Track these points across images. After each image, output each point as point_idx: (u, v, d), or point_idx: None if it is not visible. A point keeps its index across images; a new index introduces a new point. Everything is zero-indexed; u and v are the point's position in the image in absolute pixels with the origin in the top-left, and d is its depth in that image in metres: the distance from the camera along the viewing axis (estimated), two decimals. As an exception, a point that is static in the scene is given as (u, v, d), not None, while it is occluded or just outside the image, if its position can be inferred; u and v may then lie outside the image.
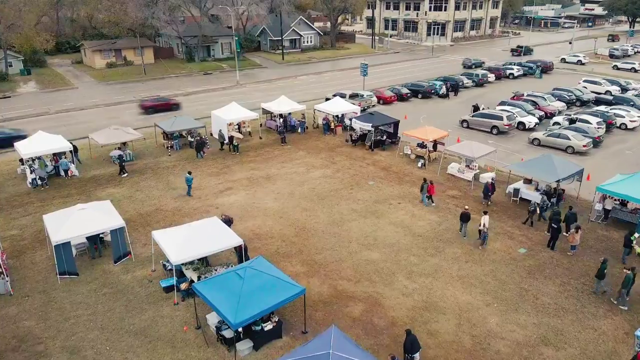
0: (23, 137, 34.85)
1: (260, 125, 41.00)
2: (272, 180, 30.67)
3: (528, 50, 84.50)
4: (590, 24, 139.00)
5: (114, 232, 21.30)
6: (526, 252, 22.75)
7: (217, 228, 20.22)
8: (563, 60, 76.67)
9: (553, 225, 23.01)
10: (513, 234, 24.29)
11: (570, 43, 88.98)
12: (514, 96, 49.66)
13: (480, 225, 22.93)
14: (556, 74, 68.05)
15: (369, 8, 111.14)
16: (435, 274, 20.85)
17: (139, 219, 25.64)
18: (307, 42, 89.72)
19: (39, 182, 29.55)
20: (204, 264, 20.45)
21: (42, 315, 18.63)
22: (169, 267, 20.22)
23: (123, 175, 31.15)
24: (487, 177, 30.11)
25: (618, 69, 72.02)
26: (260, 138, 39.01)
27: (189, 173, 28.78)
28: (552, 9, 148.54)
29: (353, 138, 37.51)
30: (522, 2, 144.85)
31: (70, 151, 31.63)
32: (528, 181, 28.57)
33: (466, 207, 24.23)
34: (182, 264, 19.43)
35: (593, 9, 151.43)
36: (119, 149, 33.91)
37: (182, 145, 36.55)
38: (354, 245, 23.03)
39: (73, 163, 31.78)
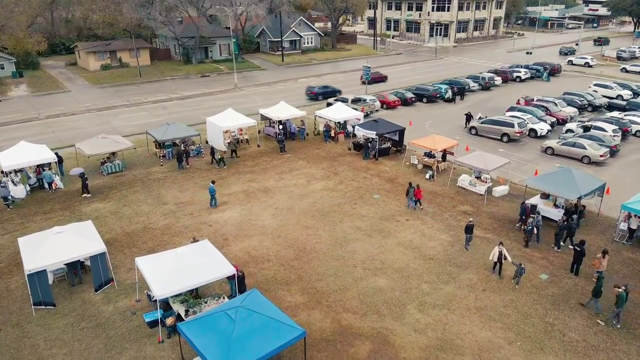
0: None
1: (259, 132, 38.98)
2: (270, 194, 28.65)
3: (607, 41, 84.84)
4: (595, 24, 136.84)
5: (95, 258, 19.27)
6: (548, 279, 20.73)
7: (208, 254, 18.21)
8: (570, 63, 74.62)
9: (576, 248, 21.01)
10: (532, 257, 22.26)
11: (576, 45, 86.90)
12: (523, 101, 47.57)
13: (496, 255, 20.40)
14: (564, 76, 66.04)
15: (370, 8, 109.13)
16: (450, 305, 18.81)
17: (125, 239, 23.60)
18: (308, 43, 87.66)
19: (3, 201, 26.94)
20: (192, 294, 18.43)
21: (14, 354, 16.62)
22: (155, 298, 18.17)
23: (86, 196, 28.20)
24: (500, 191, 28.17)
25: (627, 71, 69.97)
26: (259, 146, 36.99)
27: (213, 182, 26.99)
28: (556, 10, 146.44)
29: (356, 145, 35.59)
30: (524, 2, 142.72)
31: (55, 162, 29.56)
32: (545, 196, 26.56)
33: (470, 219, 22.73)
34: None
35: (597, 10, 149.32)
36: (108, 159, 31.96)
37: (176, 153, 34.46)
38: (359, 270, 21.00)
39: (58, 175, 29.70)
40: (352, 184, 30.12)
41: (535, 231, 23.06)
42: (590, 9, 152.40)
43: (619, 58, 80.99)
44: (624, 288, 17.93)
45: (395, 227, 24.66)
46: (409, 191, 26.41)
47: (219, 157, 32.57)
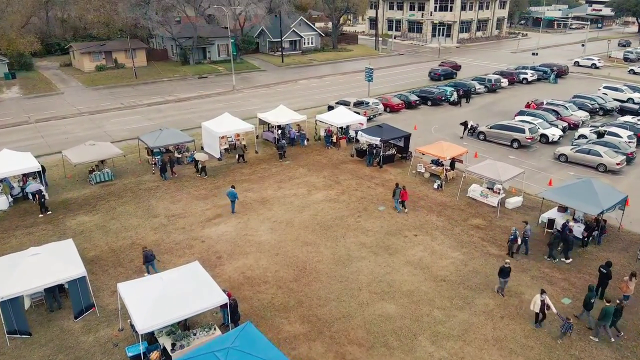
0: None
1: (257, 137, 37.20)
2: (268, 205, 26.86)
3: (629, 43, 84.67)
4: (600, 25, 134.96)
5: (74, 283, 17.49)
6: (571, 304, 18.95)
7: (198, 279, 16.43)
8: (577, 64, 72.83)
9: (602, 269, 19.24)
10: (553, 278, 20.47)
11: (582, 45, 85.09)
12: (530, 104, 45.75)
13: (538, 305, 17.19)
14: (571, 78, 64.24)
15: (372, 8, 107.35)
16: (465, 336, 17.02)
17: (111, 257, 21.82)
18: (308, 43, 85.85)
19: None
20: (181, 324, 16.64)
21: (-21, 391, 14.86)
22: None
23: (45, 214, 25.76)
24: (514, 203, 26.36)
25: (635, 73, 68.20)
26: (256, 152, 35.20)
27: (233, 187, 25.64)
28: (559, 10, 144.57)
29: (359, 151, 33.87)
30: (527, 2, 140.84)
31: (38, 172, 27.74)
32: (563, 209, 24.80)
33: (507, 262, 18.98)
34: (154, 327, 15.62)
35: (600, 10, 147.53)
36: (97, 167, 30.17)
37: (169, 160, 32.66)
38: (364, 293, 19.21)
39: (42, 185, 27.85)
40: (355, 194, 28.34)
41: (519, 242, 21.61)
42: (593, 9, 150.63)
43: (626, 59, 79.20)
44: (618, 302, 17.01)
45: (402, 243, 22.87)
46: (395, 192, 25.79)
47: (201, 166, 30.55)
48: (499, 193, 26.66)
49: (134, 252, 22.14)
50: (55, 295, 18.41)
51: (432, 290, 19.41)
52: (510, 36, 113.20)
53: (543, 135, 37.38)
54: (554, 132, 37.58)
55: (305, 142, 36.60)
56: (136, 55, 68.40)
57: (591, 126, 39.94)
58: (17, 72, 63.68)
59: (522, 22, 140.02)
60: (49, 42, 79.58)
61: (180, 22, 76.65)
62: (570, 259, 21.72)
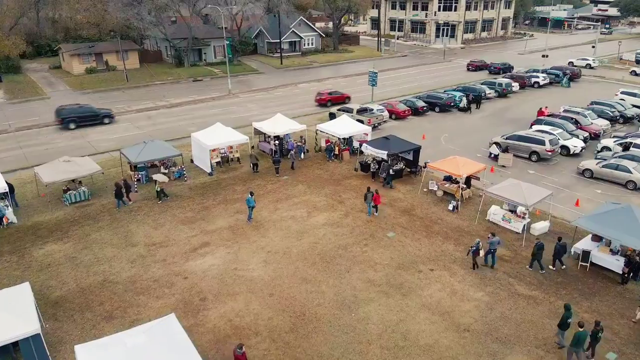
0: None
1: (252, 147, 34.16)
2: (263, 230, 23.80)
3: None
4: (607, 25, 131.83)
5: (26, 342, 14.44)
6: (617, 359, 15.90)
7: (170, 341, 13.38)
8: (571, 64, 71.08)
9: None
10: (592, 326, 17.37)
11: (593, 47, 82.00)
12: (543, 110, 42.66)
13: None
14: (584, 82, 61.18)
15: (374, 8, 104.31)
16: (499, 409, 13.98)
17: (78, 298, 18.76)
18: (308, 44, 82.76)
19: None
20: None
21: None
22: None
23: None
24: (540, 229, 23.31)
25: (637, 74, 65.62)
26: (251, 166, 32.08)
27: (251, 194, 24.21)
28: (564, 10, 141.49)
29: (363, 165, 30.90)
30: (531, 2, 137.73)
31: (5, 193, 24.66)
32: (597, 238, 21.73)
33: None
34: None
35: (606, 10, 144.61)
36: (73, 183, 27.10)
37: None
38: (375, 349, 16.13)
39: (9, 207, 24.79)
40: (360, 216, 25.27)
41: (481, 254, 20.32)
42: (599, 9, 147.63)
43: (638, 62, 76.02)
44: (595, 325, 15.70)
45: (417, 280, 19.79)
46: (366, 196, 25.08)
47: (158, 188, 26.51)
48: (523, 217, 23.59)
49: (105, 291, 19.06)
50: (10, 352, 15.37)
51: (454, 344, 16.34)
52: (516, 37, 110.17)
53: (563, 147, 34.29)
54: (575, 144, 34.48)
55: (302, 154, 33.17)
56: (128, 57, 65.38)
57: (614, 136, 36.88)
58: (4, 75, 60.60)
59: (527, 22, 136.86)
60: (39, 43, 76.60)
61: (175, 22, 73.58)
62: (565, 266, 20.82)
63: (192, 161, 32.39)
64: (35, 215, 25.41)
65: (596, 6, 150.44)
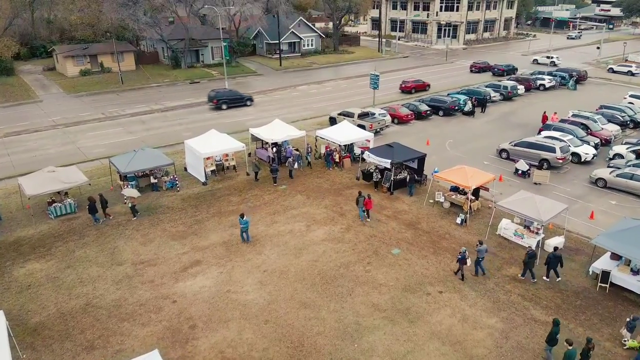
0: None
1: (249, 154, 32.69)
2: (259, 247, 22.32)
3: None
4: (611, 26, 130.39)
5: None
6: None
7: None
8: (535, 62, 71.84)
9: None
10: (616, 356, 15.93)
11: (598, 48, 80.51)
12: (545, 116, 41.14)
13: None
14: (590, 84, 59.68)
15: (374, 8, 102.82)
16: None
17: (58, 324, 17.27)
18: (308, 45, 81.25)
19: None
20: None
21: None
22: None
23: None
24: (555, 245, 21.78)
25: (632, 74, 64.46)
26: (248, 174, 30.65)
27: (242, 216, 22.16)
28: (566, 9, 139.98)
29: (365, 174, 29.43)
30: (533, 2, 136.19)
31: (-16, 205, 23.26)
32: (616, 257, 20.27)
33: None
34: None
35: (609, 10, 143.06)
36: (58, 194, 25.63)
37: (145, 186, 28.20)
38: (380, 386, 14.67)
39: (-11, 220, 23.37)
40: (363, 230, 23.79)
41: (469, 263, 19.52)
42: (601, 10, 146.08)
43: (646, 63, 74.54)
44: (587, 342, 14.80)
45: (425, 304, 18.30)
46: (358, 200, 24.52)
47: (130, 204, 24.54)
48: (537, 232, 22.11)
49: (88, 317, 17.58)
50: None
51: (468, 380, 14.87)
52: (518, 37, 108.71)
53: (574, 154, 32.81)
54: (586, 151, 32.98)
55: (296, 164, 30.86)
56: (124, 59, 63.92)
57: (625, 142, 35.40)
58: (-3, 78, 59.19)
59: (529, 22, 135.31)
60: (34, 45, 75.08)
61: (173, 23, 72.08)
62: (560, 278, 19.93)
63: (185, 169, 30.93)
64: (18, 229, 23.93)
65: (599, 6, 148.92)
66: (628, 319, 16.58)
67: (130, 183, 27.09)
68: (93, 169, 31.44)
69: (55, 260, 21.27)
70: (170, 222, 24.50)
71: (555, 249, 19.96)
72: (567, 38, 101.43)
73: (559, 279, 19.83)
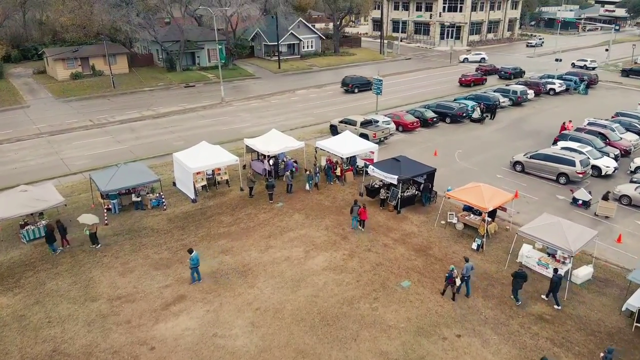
0: None
1: (244, 167, 30.36)
2: (251, 278, 19.93)
3: None
4: (617, 27, 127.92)
5: None
6: None
7: None
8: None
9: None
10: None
11: (606, 50, 78.08)
12: (564, 125, 38.67)
13: None
14: (601, 88, 57.31)
15: (376, 8, 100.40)
16: None
17: (16, 379, 14.91)
18: (307, 47, 78.86)
19: None
20: None
21: None
22: None
23: None
24: (583, 277, 19.47)
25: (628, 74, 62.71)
26: (242, 190, 28.27)
27: (190, 252, 19.05)
28: (571, 10, 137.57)
29: (370, 190, 27.08)
30: (537, 2, 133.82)
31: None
32: (656, 290, 17.88)
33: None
34: None
35: (613, 11, 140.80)
36: (32, 216, 23.23)
37: (128, 205, 25.81)
38: None
39: (-49, 247, 20.99)
40: (368, 257, 21.42)
41: (458, 282, 18.13)
42: (606, 10, 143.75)
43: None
44: None
45: (441, 352, 15.91)
46: (352, 209, 23.53)
47: (88, 231, 21.61)
48: (564, 262, 19.72)
49: (51, 369, 15.21)
50: None
51: None
52: (523, 38, 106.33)
53: (594, 167, 30.45)
54: (607, 164, 30.61)
55: (292, 177, 28.32)
56: (116, 61, 61.52)
57: (648, 154, 33.09)
58: (-18, 81, 56.84)
59: (533, 23, 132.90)
60: (25, 47, 72.72)
61: (169, 24, 69.68)
62: (559, 307, 18.09)
63: (174, 184, 28.57)
64: (-14, 255, 21.57)
65: (603, 7, 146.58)
66: (602, 354, 14.75)
67: (112, 202, 24.72)
68: (75, 183, 29.10)
69: (24, 293, 18.88)
70: (154, 247, 22.09)
71: (556, 270, 18.04)
72: (527, 46, 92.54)
73: (559, 307, 17.97)
